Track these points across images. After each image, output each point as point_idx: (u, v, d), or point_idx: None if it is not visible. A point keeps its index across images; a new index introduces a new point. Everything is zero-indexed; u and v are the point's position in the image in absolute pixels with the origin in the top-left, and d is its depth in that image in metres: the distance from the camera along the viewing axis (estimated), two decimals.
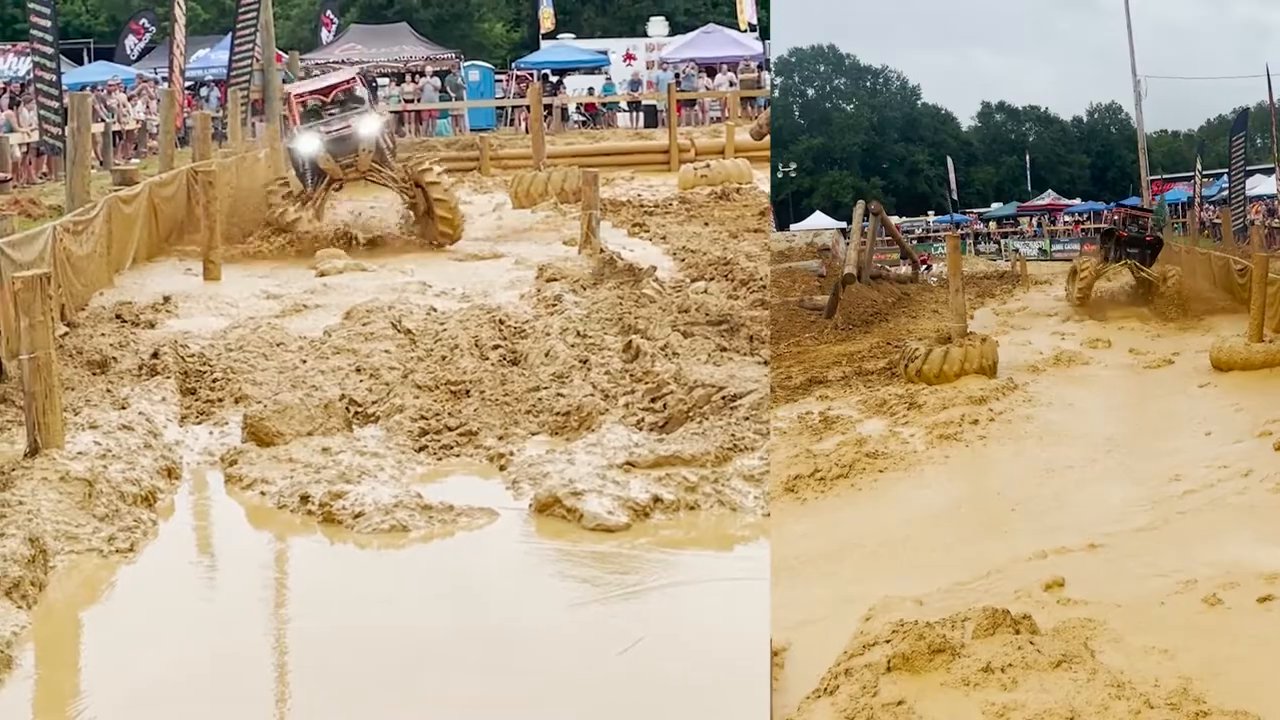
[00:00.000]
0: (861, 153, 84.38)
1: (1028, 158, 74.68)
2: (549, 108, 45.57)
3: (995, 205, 68.80)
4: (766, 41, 56.86)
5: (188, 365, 16.66)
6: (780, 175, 73.18)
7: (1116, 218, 33.50)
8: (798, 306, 28.38)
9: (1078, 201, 56.77)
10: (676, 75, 48.98)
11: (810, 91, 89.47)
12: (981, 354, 20.03)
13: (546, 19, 56.14)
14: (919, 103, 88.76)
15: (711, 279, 21.68)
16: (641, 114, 48.26)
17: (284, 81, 42.24)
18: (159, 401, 15.30)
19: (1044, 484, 14.67)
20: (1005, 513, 13.75)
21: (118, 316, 19.42)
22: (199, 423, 15.08)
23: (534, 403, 14.97)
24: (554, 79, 50.69)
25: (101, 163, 33.59)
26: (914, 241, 49.36)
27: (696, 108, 48.33)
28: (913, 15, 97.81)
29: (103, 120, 35.85)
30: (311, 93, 28.83)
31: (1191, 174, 50.41)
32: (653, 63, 52.94)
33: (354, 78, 30.29)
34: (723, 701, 8.91)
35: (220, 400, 15.65)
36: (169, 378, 16.16)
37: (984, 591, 10.43)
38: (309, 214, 26.44)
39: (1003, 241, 56.51)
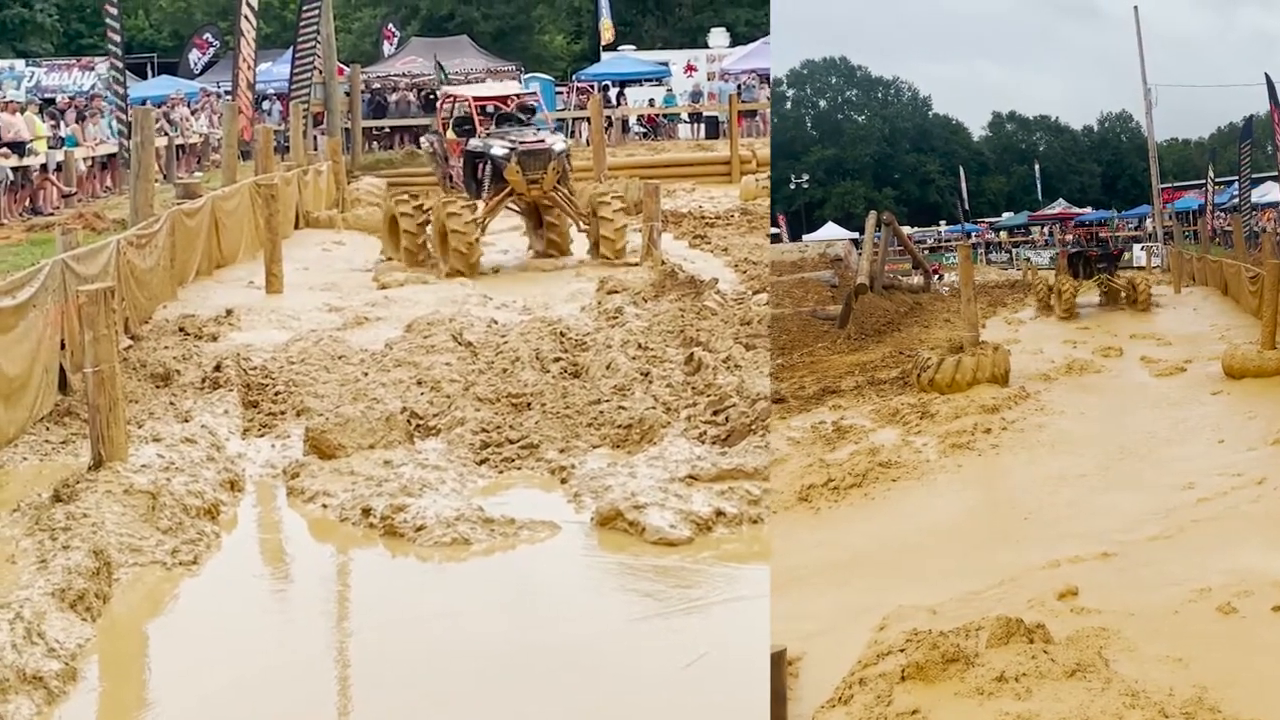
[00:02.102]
0: (873, 163, 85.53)
1: (1038, 167, 76.94)
2: (609, 119, 45.63)
3: (1006, 215, 69.74)
4: None
5: (249, 378, 16.74)
6: (793, 186, 73.71)
7: (1077, 238, 36.03)
8: (811, 316, 28.79)
9: (1089, 210, 55.81)
10: (738, 86, 48.93)
11: (822, 103, 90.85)
12: (993, 363, 20.24)
13: (606, 31, 56.28)
14: (930, 113, 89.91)
15: (762, 290, 21.69)
16: (703, 125, 48.24)
17: (346, 94, 42.52)
18: (221, 414, 15.36)
19: (1057, 492, 14.65)
20: (1018, 521, 13.75)
21: (181, 329, 19.53)
22: (261, 435, 15.12)
23: (595, 415, 14.91)
24: (615, 90, 50.73)
25: (165, 176, 33.82)
26: (926, 251, 50.47)
27: (758, 118, 48.23)
28: (924, 27, 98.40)
29: (165, 134, 36.07)
30: (492, 98, 28.17)
31: (1202, 181, 51.74)
32: (714, 74, 52.92)
33: (536, 90, 29.95)
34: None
35: (282, 413, 15.68)
36: (231, 390, 16.23)
37: (997, 600, 10.45)
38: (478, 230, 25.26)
39: (1014, 250, 58.77)
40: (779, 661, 7.56)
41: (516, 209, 27.04)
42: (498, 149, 25.52)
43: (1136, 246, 51.02)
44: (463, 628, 10.35)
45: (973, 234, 61.59)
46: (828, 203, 78.37)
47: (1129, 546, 11.99)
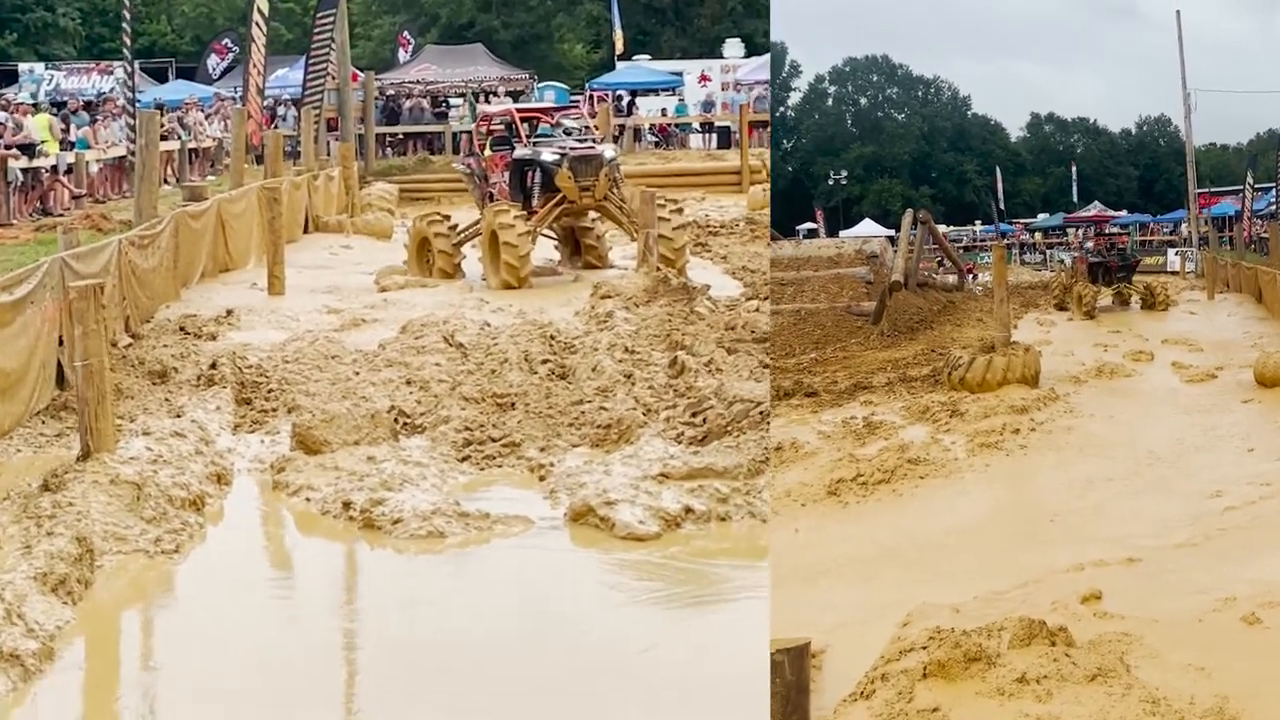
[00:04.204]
0: (911, 162, 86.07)
1: (1075, 169, 77.60)
2: (621, 128, 45.96)
3: (1042, 216, 70.09)
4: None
5: (244, 376, 17.08)
6: (832, 183, 74.06)
7: (1098, 246, 36.05)
8: (845, 312, 28.70)
9: (1124, 213, 56.97)
10: (760, 96, 49.26)
11: (863, 100, 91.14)
12: (1024, 364, 20.09)
13: (619, 40, 56.61)
14: (969, 113, 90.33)
15: (766, 298, 21.96)
16: (714, 135, 48.53)
17: (360, 100, 42.95)
18: (214, 410, 15.73)
19: (1084, 496, 14.58)
20: (1044, 523, 13.69)
21: (181, 329, 19.89)
22: (252, 431, 15.48)
23: (577, 415, 15.25)
24: (628, 99, 51.09)
25: (178, 180, 34.24)
26: (960, 251, 50.40)
27: (770, 129, 48.53)
28: (964, 27, 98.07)
29: (179, 138, 36.50)
30: (535, 110, 28.19)
31: (1239, 187, 51.00)
32: (727, 84, 53.19)
33: (576, 104, 29.72)
34: (733, 705, 9.11)
35: (274, 410, 16.04)
36: (225, 388, 16.60)
37: (1021, 602, 10.34)
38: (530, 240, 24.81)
39: (1048, 252, 58.37)
40: (803, 654, 7.61)
41: (553, 234, 26.82)
42: (548, 155, 25.33)
43: (1171, 251, 50.90)
44: (432, 617, 10.70)
45: (1007, 234, 61.69)
46: (865, 199, 79.15)
47: (1155, 553, 11.94)
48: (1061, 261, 49.46)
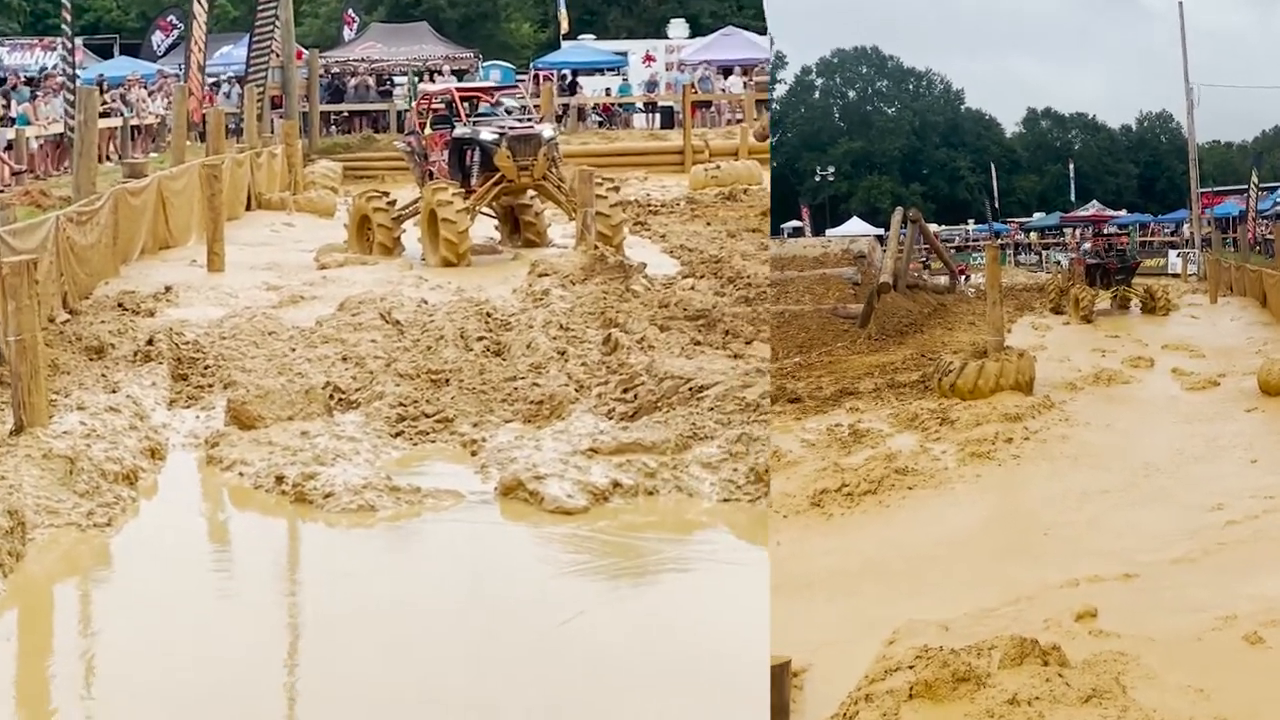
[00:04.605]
0: (902, 158, 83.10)
1: (1072, 166, 74.50)
2: (565, 107, 46.07)
3: (1038, 215, 67.30)
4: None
5: (181, 352, 17.19)
6: (818, 179, 72.92)
7: (1096, 247, 34.44)
8: (831, 315, 27.98)
9: (1124, 213, 55.04)
10: (704, 77, 49.40)
11: (851, 93, 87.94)
12: (1018, 369, 19.42)
13: (564, 20, 56.67)
14: (962, 107, 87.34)
15: (702, 277, 22.17)
16: (658, 115, 48.65)
17: (305, 78, 42.92)
18: (149, 386, 15.84)
19: (1079, 508, 14.11)
20: (1037, 537, 13.27)
21: (119, 305, 19.94)
22: (188, 407, 15.62)
23: (510, 392, 15.45)
24: (572, 79, 51.18)
25: (120, 156, 34.15)
26: (952, 251, 49.45)
27: (713, 109, 48.68)
28: (959, 18, 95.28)
29: (121, 115, 36.41)
30: (475, 89, 28.39)
31: (1244, 186, 48.97)
32: (671, 64, 53.31)
33: (517, 84, 29.79)
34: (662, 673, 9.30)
35: (210, 386, 16.18)
36: (162, 364, 16.70)
37: (1012, 619, 10.02)
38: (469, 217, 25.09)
39: (1044, 253, 55.84)
40: (784, 673, 7.50)
41: (492, 213, 27.13)
42: (487, 134, 25.52)
43: (1172, 253, 49.52)
44: (359, 587, 10.87)
45: (1002, 234, 59.33)
46: (853, 197, 76.72)
47: (1152, 568, 11.55)
48: (1058, 263, 48.44)
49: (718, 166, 38.11)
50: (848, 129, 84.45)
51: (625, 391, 15.11)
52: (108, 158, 33.08)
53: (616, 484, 12.64)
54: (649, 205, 33.43)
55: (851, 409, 19.38)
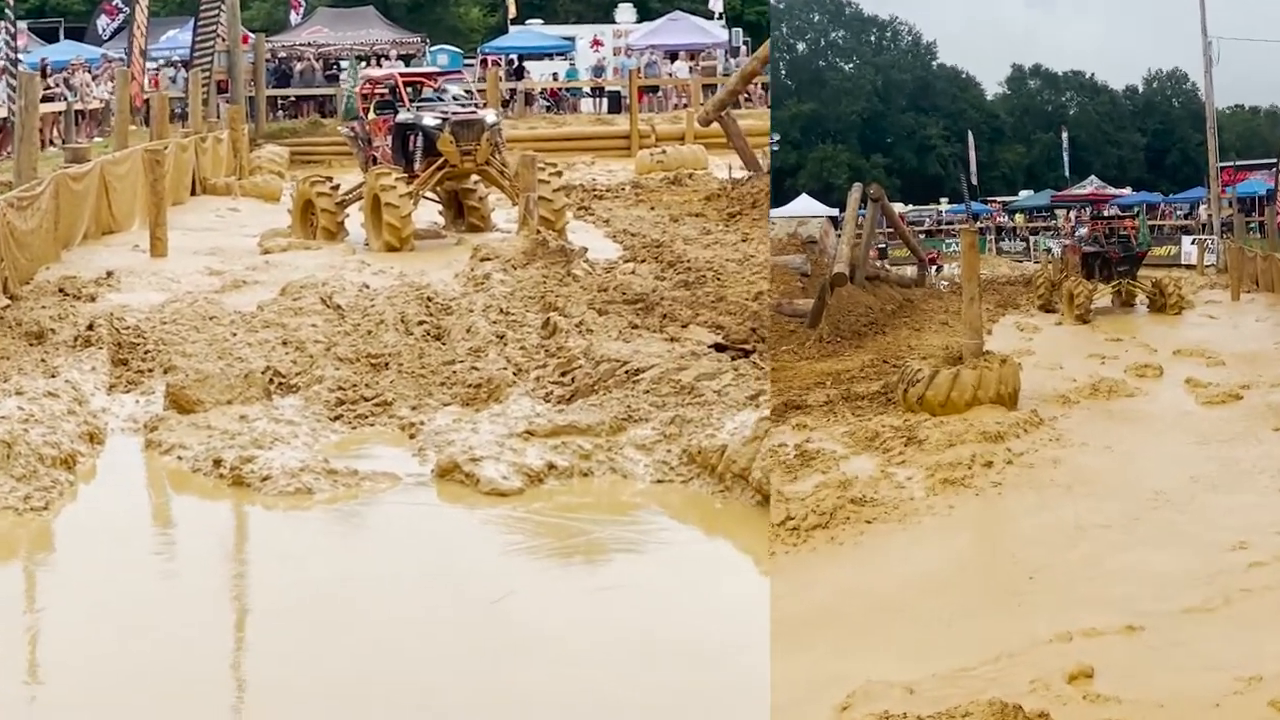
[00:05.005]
0: (861, 123, 69.48)
1: (1066, 135, 61.00)
2: (513, 92, 46.22)
3: (1024, 193, 56.73)
4: (735, 29, 56.64)
5: (121, 337, 17.23)
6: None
7: (1095, 232, 30.48)
8: (775, 312, 23.09)
9: (1128, 191, 48.31)
10: (651, 62, 49.57)
11: (801, 46, 71.94)
12: (1000, 379, 16.67)
13: (512, 5, 56.75)
14: (934, 63, 73.07)
15: (643, 261, 22.35)
16: (605, 100, 48.83)
17: (251, 63, 42.89)
18: (89, 371, 15.90)
19: (1072, 547, 12.05)
20: (1022, 581, 11.20)
21: (60, 290, 19.94)
22: (127, 392, 15.70)
23: (448, 375, 15.61)
24: (520, 64, 51.28)
25: (64, 141, 34.09)
26: (921, 236, 44.05)
27: (661, 94, 48.88)
28: None
29: (65, 99, 36.33)
30: (419, 75, 28.62)
31: (1271, 160, 42.58)
32: (619, 49, 53.47)
33: (462, 72, 29.91)
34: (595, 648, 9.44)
35: (150, 370, 16.26)
36: (102, 349, 16.75)
37: (991, 680, 8.71)
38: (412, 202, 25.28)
39: (1032, 239, 47.97)
40: None
41: (436, 198, 27.36)
42: (430, 120, 25.75)
43: (1186, 239, 42.24)
44: (296, 568, 11.01)
45: (981, 216, 50.78)
46: (802, 170, 64.57)
47: (1160, 619, 9.87)
48: (1049, 251, 40.44)
49: (664, 151, 38.42)
50: (796, 88, 71.42)
51: (563, 375, 15.31)
52: (51, 142, 33.01)
53: (551, 466, 12.81)
54: (594, 190, 33.65)
55: (798, 426, 16.60)
